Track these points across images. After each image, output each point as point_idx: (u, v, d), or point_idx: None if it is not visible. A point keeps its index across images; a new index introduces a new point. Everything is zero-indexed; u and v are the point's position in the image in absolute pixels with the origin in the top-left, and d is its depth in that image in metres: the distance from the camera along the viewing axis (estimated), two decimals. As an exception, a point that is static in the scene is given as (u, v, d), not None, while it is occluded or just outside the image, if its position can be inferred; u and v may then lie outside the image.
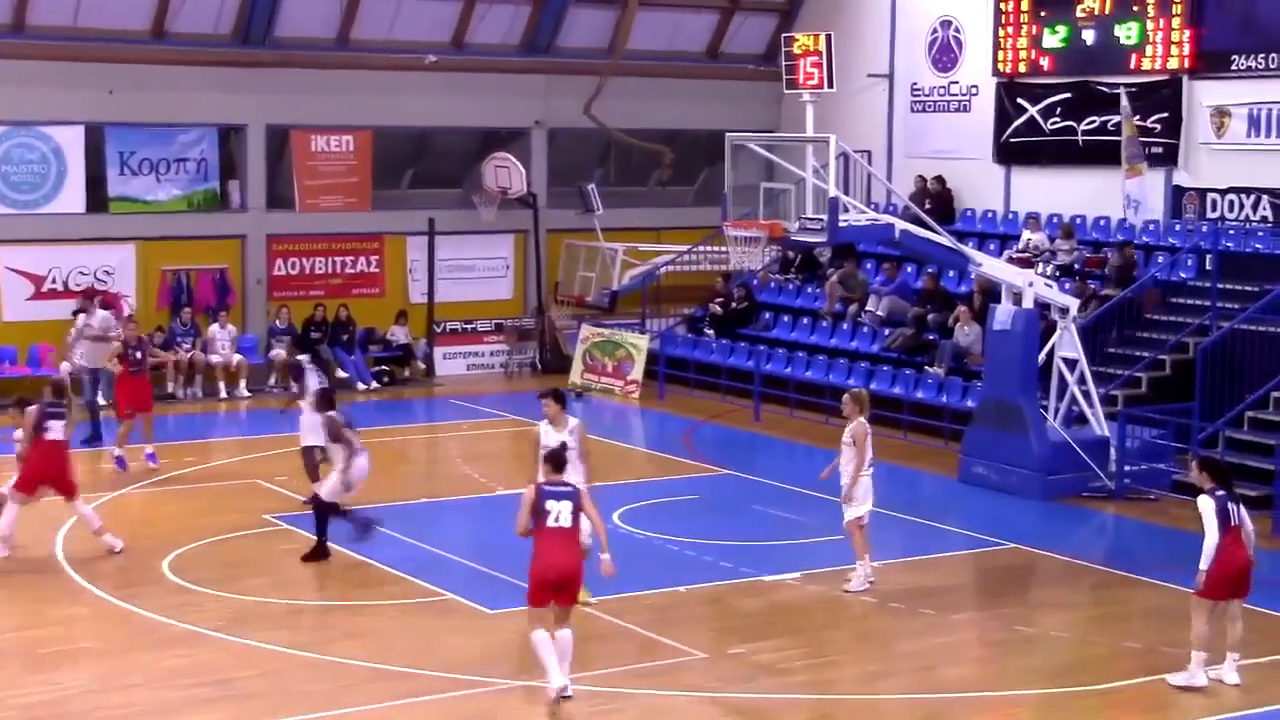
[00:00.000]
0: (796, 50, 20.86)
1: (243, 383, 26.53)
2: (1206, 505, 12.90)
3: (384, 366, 28.06)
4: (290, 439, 20.66)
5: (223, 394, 26.33)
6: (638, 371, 26.96)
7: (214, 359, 26.47)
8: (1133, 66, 25.24)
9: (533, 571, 12.26)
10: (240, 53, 27.44)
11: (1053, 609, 15.42)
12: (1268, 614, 15.06)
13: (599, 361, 27.61)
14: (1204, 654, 12.87)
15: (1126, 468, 19.92)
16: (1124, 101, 23.98)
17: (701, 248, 29.15)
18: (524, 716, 12.47)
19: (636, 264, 29.92)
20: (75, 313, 24.14)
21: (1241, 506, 13.08)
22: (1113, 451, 20.21)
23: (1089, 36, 25.89)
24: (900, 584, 16.12)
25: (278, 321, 27.46)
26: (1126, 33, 25.29)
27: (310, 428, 18.22)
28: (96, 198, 26.79)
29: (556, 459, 12.49)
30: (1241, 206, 23.73)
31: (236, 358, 26.65)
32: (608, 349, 27.60)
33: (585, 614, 14.87)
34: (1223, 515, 12.85)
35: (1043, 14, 26.54)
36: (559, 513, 12.17)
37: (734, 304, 28.02)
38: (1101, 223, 25.79)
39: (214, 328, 26.73)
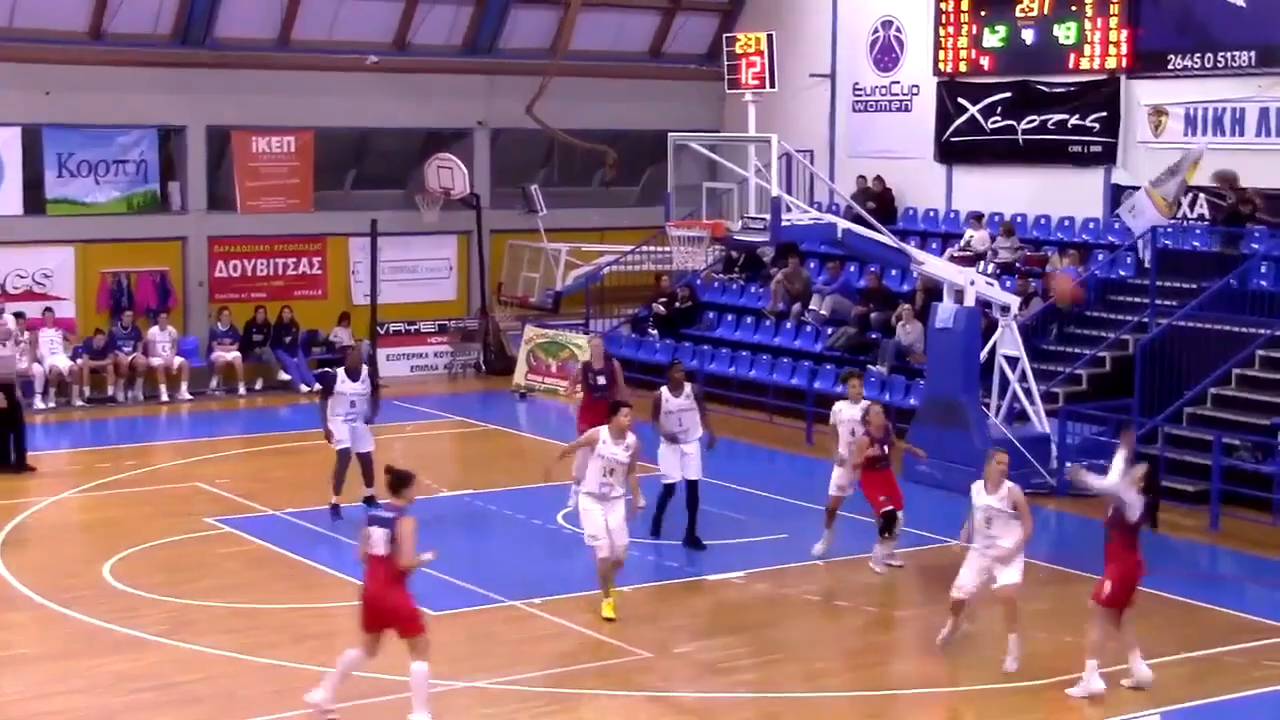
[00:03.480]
0: (739, 50, 20.91)
1: (184, 385, 26.33)
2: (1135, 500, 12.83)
3: (327, 369, 27.84)
4: (231, 441, 20.62)
5: (164, 396, 26.14)
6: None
7: (155, 362, 26.26)
8: (1071, 66, 25.45)
9: None
10: (180, 53, 27.25)
11: (996, 605, 15.50)
12: (1206, 608, 15.24)
13: (543, 362, 27.58)
14: (1097, 660, 12.84)
15: (1068, 464, 20.05)
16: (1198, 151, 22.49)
17: (645, 248, 29.18)
18: (468, 717, 12.43)
19: (580, 264, 29.91)
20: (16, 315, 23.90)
21: None
22: (1054, 448, 20.36)
23: (1028, 36, 26.07)
24: (845, 582, 16.19)
25: (219, 324, 27.28)
26: (1065, 32, 25.48)
27: None
28: (34, 200, 26.54)
29: (394, 479, 12.10)
30: (1179, 205, 23.88)
31: (178, 360, 26.44)
32: (551, 350, 27.57)
33: (530, 614, 14.88)
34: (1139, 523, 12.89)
35: (982, 14, 26.70)
36: (374, 539, 11.95)
37: (677, 304, 28.05)
38: (1042, 221, 25.98)
39: (154, 330, 26.51)
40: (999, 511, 13.52)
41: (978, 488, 13.66)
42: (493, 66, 29.78)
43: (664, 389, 17.36)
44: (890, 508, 16.42)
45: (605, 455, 14.52)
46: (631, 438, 14.58)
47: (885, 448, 16.60)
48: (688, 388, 17.31)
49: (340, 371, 18.32)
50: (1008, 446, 19.97)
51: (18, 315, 24.75)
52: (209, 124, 27.67)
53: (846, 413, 16.89)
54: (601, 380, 18.85)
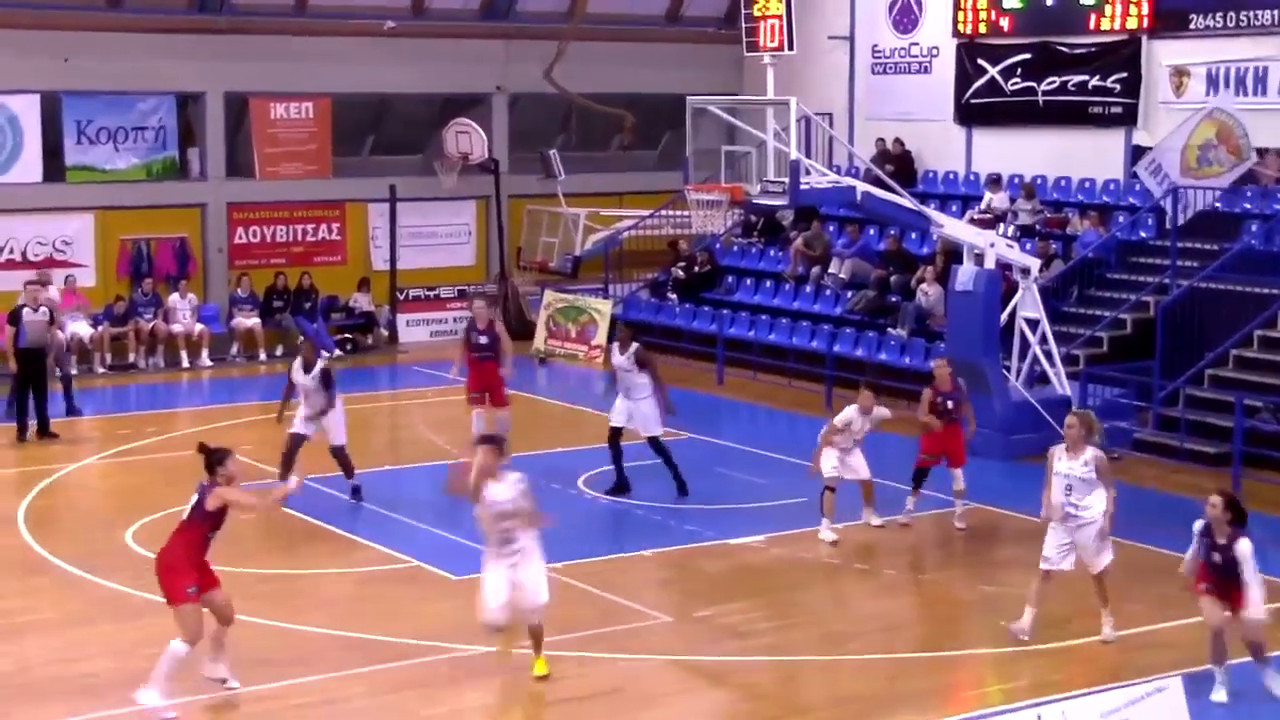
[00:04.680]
0: (757, 13, 20.82)
1: (204, 352, 26.39)
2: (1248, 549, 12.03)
3: (347, 334, 27.98)
4: (250, 408, 20.61)
5: (185, 363, 26.20)
6: (601, 337, 26.94)
7: (175, 328, 26.32)
8: (1092, 26, 25.29)
9: None
10: (198, 19, 27.26)
11: (1016, 568, 15.47)
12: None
13: (562, 327, 27.57)
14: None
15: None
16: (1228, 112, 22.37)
17: (664, 212, 29.12)
18: (490, 681, 12.48)
19: (599, 229, 29.88)
20: (29, 284, 23.83)
21: None
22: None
23: (1048, -3, 25.93)
24: (865, 545, 16.20)
25: (239, 290, 27.33)
26: (1085, -7, 25.33)
27: None
28: (54, 167, 26.59)
29: (206, 458, 11.94)
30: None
31: (198, 327, 26.51)
32: (571, 314, 27.57)
33: (550, 578, 14.88)
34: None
35: (1002, -26, 26.55)
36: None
37: (696, 268, 28.00)
38: (1063, 183, 25.86)
39: (175, 297, 26.57)
40: (1080, 479, 13.10)
41: (1058, 453, 13.25)
42: (510, 31, 29.70)
43: (615, 345, 18.10)
44: (924, 465, 16.80)
45: (492, 501, 12.11)
46: (512, 477, 12.14)
47: (950, 403, 16.75)
48: (632, 347, 17.70)
49: (296, 361, 17.73)
50: (1028, 409, 20.02)
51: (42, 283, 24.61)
52: (227, 90, 27.68)
53: (859, 424, 16.42)
54: (484, 340, 19.20)
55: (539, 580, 12.23)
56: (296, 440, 17.52)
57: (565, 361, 26.94)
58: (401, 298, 28.68)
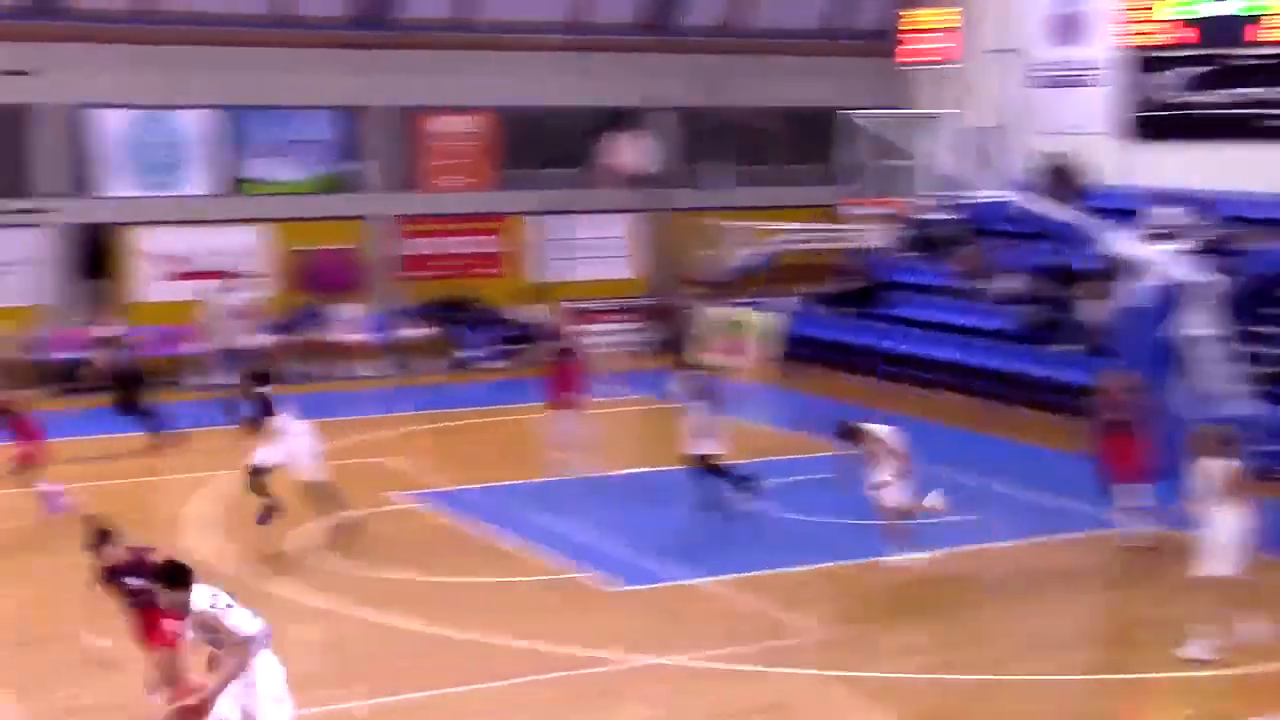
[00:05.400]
0: (915, 26, 20.64)
1: (368, 362, 26.76)
2: None
3: (509, 346, 28.20)
4: (407, 418, 20.80)
5: (348, 373, 26.56)
6: (762, 349, 26.82)
7: (339, 338, 26.72)
8: (1267, 37, 24.67)
9: None
10: (365, 35, 27.73)
11: (1189, 591, 15.10)
12: None
13: (722, 340, 27.51)
14: None
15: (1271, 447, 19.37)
16: None
17: (824, 226, 28.94)
18: (651, 694, 12.45)
19: (757, 243, 29.79)
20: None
21: None
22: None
23: (1221, 6, 25.32)
24: (1031, 564, 15.92)
25: (403, 301, 27.69)
26: (1254, 2, 24.69)
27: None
28: (227, 180, 27.21)
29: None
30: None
31: (362, 337, 26.89)
32: (731, 327, 27.51)
33: (709, 592, 14.85)
34: None
35: (1172, -16, 26.04)
36: None
37: (856, 282, 27.77)
38: (1237, 199, 25.21)
39: (340, 307, 27.00)
40: (1205, 491, 13.17)
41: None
42: (669, 45, 29.77)
43: (676, 374, 18.64)
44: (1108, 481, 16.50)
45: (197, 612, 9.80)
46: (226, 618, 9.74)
47: (1119, 417, 16.46)
48: (690, 374, 18.09)
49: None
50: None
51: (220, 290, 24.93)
52: (393, 104, 28.12)
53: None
54: (560, 346, 19.77)
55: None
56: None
57: (726, 374, 26.80)
58: (561, 309, 28.83)
